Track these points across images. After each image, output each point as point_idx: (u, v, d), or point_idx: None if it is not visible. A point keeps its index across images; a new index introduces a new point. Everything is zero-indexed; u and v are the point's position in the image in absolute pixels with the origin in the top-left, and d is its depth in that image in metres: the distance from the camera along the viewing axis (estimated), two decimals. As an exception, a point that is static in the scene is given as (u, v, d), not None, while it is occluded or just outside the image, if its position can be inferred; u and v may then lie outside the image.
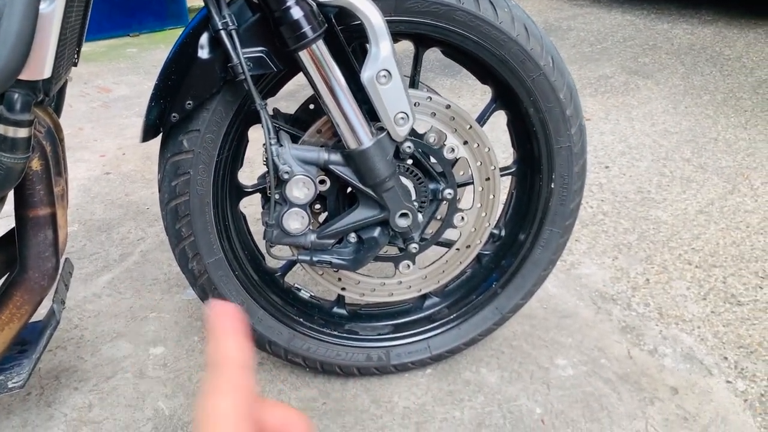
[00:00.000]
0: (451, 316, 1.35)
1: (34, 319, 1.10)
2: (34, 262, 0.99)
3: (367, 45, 1.01)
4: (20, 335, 1.07)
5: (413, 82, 1.18)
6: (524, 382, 1.35)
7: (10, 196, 1.01)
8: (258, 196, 1.26)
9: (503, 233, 1.34)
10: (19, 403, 1.29)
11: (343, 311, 1.36)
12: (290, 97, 2.65)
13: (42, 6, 0.72)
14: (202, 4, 1.00)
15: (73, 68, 1.14)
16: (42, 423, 1.25)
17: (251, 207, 1.43)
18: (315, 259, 1.15)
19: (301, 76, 1.15)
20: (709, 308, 1.56)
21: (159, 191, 1.13)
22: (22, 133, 0.79)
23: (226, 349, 0.33)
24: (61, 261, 1.07)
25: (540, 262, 1.29)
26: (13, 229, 1.04)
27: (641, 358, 1.41)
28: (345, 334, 1.31)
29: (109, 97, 3.06)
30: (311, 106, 1.24)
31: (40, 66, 0.77)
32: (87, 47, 3.91)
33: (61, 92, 1.20)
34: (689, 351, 1.43)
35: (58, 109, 1.19)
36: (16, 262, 1.01)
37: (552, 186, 1.22)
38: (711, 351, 1.43)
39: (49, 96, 0.86)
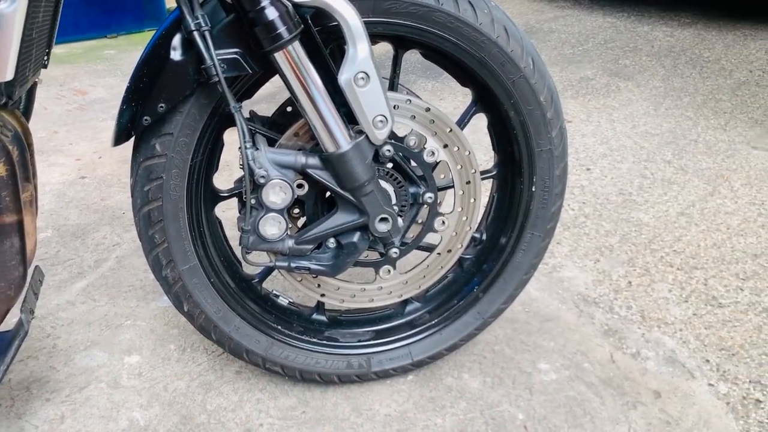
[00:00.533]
0: (433, 322, 1.33)
1: (2, 329, 1.07)
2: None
3: (345, 46, 0.99)
4: (-13, 346, 1.04)
5: (392, 85, 1.16)
6: (506, 387, 1.33)
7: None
8: (234, 203, 1.24)
9: (484, 237, 1.33)
10: (-13, 416, 1.25)
11: (322, 318, 1.33)
12: (270, 99, 2.62)
13: (2, 6, 0.69)
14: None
15: (50, 70, 1.11)
16: (12, 436, 1.21)
17: (229, 212, 1.40)
18: (293, 265, 1.12)
19: (279, 78, 1.13)
20: (691, 311, 1.56)
21: (131, 196, 1.10)
22: (-16, 137, 0.76)
23: None
24: (30, 269, 1.04)
25: (521, 266, 1.27)
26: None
27: (624, 362, 1.40)
28: (325, 341, 1.29)
29: (85, 100, 3.01)
30: (288, 109, 1.22)
31: (1, 68, 0.74)
32: (63, 48, 3.85)
33: (30, 95, 1.16)
34: (671, 354, 1.42)
35: (27, 113, 1.15)
36: (-19, 271, 0.98)
37: (533, 189, 1.20)
38: (693, 354, 1.42)
39: (12, 99, 0.83)
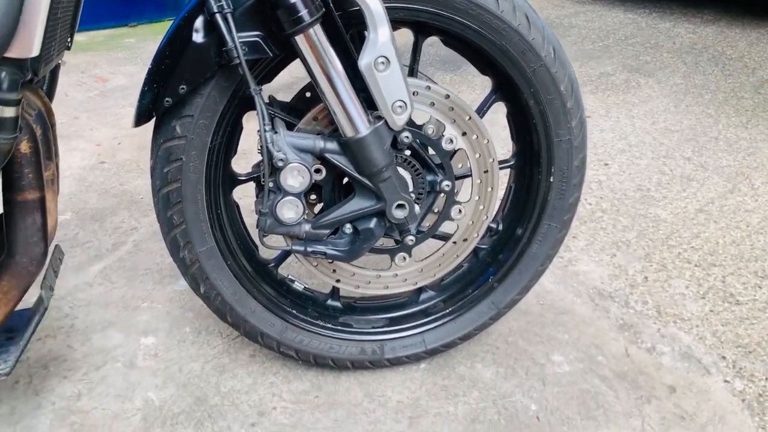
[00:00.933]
0: (447, 310, 1.33)
1: (22, 307, 1.09)
2: (21, 246, 0.97)
3: (366, 31, 0.99)
4: (7, 322, 1.05)
5: (412, 72, 1.16)
6: (519, 378, 1.33)
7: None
8: (251, 187, 1.24)
9: (501, 227, 1.32)
10: (6, 392, 1.27)
11: (337, 303, 1.34)
12: (288, 88, 2.62)
13: (29, -20, 0.70)
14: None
15: (71, 57, 1.12)
16: (30, 411, 1.23)
17: (246, 199, 1.41)
18: (309, 249, 1.13)
19: (299, 68, 1.14)
20: (708, 307, 1.54)
21: (151, 177, 1.11)
22: (9, 112, 0.77)
23: None
24: (51, 247, 1.05)
25: (537, 256, 1.27)
26: (0, 213, 1.02)
27: (639, 356, 1.39)
28: (339, 327, 1.29)
29: (105, 87, 3.03)
30: (308, 94, 1.22)
31: (28, 43, 0.75)
32: (85, 36, 3.88)
33: (54, 76, 1.17)
34: (687, 350, 1.41)
35: (50, 94, 1.17)
36: (3, 247, 0.99)
37: (551, 180, 1.20)
38: (709, 350, 1.41)
39: (38, 76, 0.84)
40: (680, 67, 3.21)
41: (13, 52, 0.72)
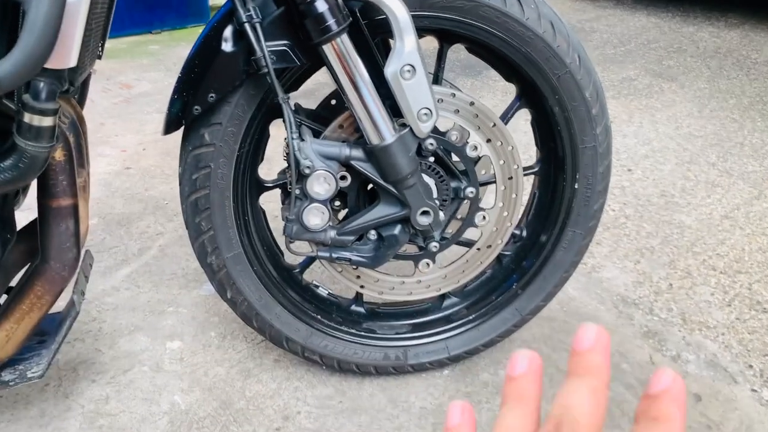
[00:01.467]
0: (470, 317, 1.33)
1: (52, 311, 1.11)
2: (55, 252, 1.00)
3: (391, 40, 1.00)
4: (40, 326, 1.08)
5: (437, 79, 1.16)
6: (543, 385, 1.32)
7: (33, 186, 1.01)
8: (277, 192, 1.26)
9: (525, 234, 1.32)
10: (37, 394, 1.30)
11: (361, 309, 1.35)
12: (310, 95, 2.64)
13: (69, -6, 0.72)
14: (223, 2, 1.00)
15: (97, 62, 1.15)
16: (59, 414, 1.25)
17: (269, 204, 1.42)
18: (334, 255, 1.14)
19: (320, 74, 1.15)
20: (734, 315, 1.53)
21: (180, 184, 1.13)
22: (47, 122, 0.79)
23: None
24: (82, 252, 1.07)
25: (562, 263, 1.27)
26: (35, 219, 1.04)
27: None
28: (363, 333, 1.30)
29: (130, 93, 3.08)
30: (332, 102, 1.24)
31: (67, 55, 0.77)
32: (109, 43, 3.94)
33: (85, 85, 1.20)
34: (713, 358, 1.40)
35: (81, 102, 1.19)
36: (37, 253, 1.02)
37: (576, 186, 1.20)
38: (735, 358, 1.40)
39: (74, 86, 0.87)
40: (704, 71, 3.18)
41: (52, 64, 0.74)
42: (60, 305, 1.14)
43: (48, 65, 0.74)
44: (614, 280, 1.66)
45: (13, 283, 1.10)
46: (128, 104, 2.93)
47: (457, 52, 1.17)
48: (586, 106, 1.12)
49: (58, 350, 1.12)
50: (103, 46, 1.17)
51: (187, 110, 1.04)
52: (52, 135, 0.81)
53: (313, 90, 2.67)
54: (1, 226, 0.91)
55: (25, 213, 1.18)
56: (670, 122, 2.61)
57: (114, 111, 2.84)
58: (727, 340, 1.45)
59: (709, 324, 1.50)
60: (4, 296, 1.10)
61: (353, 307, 1.34)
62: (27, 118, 0.79)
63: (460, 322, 1.33)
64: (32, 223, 1.07)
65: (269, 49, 0.97)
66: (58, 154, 0.95)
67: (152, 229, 1.89)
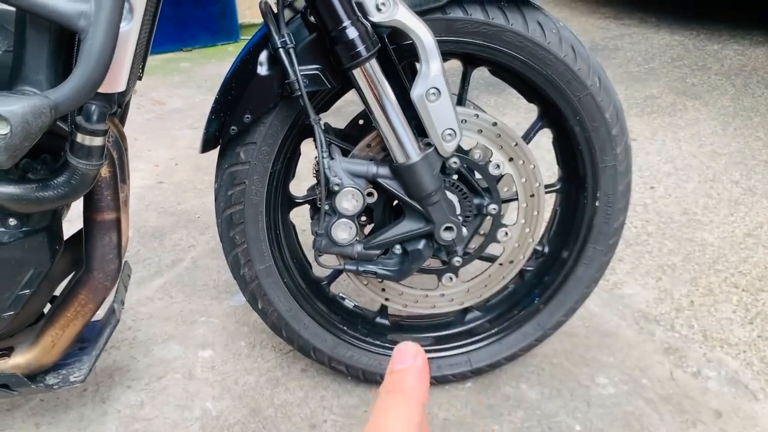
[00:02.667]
0: (493, 331, 1.36)
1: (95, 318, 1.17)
2: (99, 263, 1.06)
3: (417, 63, 1.05)
4: (81, 333, 1.14)
5: (460, 100, 1.21)
6: (564, 399, 1.35)
7: (78, 200, 1.07)
8: (305, 208, 1.31)
9: (546, 250, 1.36)
10: (75, 399, 1.36)
11: (385, 321, 1.39)
12: (336, 112, 2.71)
13: (123, 25, 0.78)
14: (254, 20, 1.05)
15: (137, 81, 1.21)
16: (97, 418, 1.31)
17: (297, 218, 1.48)
18: (361, 269, 1.18)
19: (347, 93, 1.20)
20: (756, 332, 1.54)
21: (215, 200, 1.19)
22: (98, 141, 0.85)
23: (404, 381, 0.35)
24: (123, 263, 1.13)
25: (583, 279, 1.29)
26: (79, 230, 1.10)
27: (684, 380, 1.40)
28: (387, 344, 1.34)
29: (162, 110, 3.18)
30: (360, 122, 1.29)
31: (117, 80, 0.83)
32: (143, 61, 4.06)
33: (126, 104, 1.27)
34: (734, 375, 1.41)
35: (122, 120, 1.26)
36: (81, 262, 1.08)
37: (596, 204, 1.23)
38: (757, 376, 1.41)
39: (121, 107, 0.93)
40: (729, 89, 3.18)
41: (104, 88, 0.80)
42: (98, 314, 1.20)
43: (100, 90, 0.80)
44: (635, 297, 1.68)
45: (57, 291, 1.17)
46: (161, 120, 3.03)
47: (481, 70, 1.21)
48: (606, 127, 1.16)
49: (99, 356, 1.17)
50: (143, 67, 1.24)
51: (224, 130, 1.10)
52: (102, 154, 0.88)
53: (339, 107, 2.74)
54: (50, 238, 0.97)
55: (68, 224, 1.25)
56: (694, 140, 2.62)
57: (147, 126, 2.94)
58: (749, 357, 1.46)
59: (731, 341, 1.51)
60: (49, 304, 1.16)
61: (378, 319, 1.38)
62: (79, 138, 0.85)
63: (482, 335, 1.36)
64: (76, 235, 1.14)
65: (302, 73, 1.02)
66: (104, 171, 1.01)
67: (185, 242, 1.95)
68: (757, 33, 4.14)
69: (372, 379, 1.34)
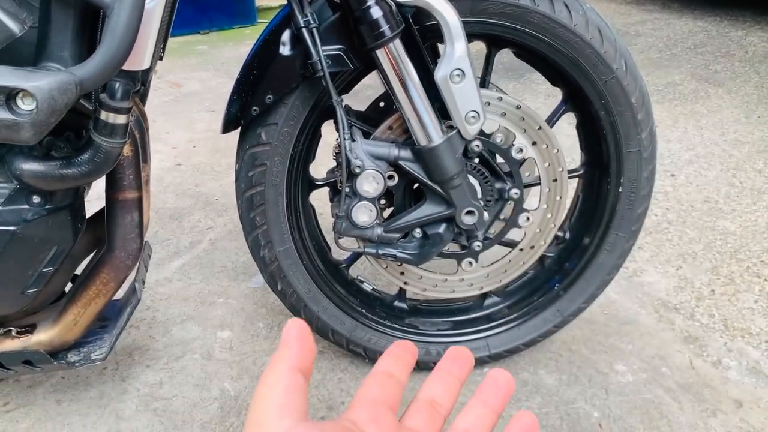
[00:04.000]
0: (511, 316, 1.36)
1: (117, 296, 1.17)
2: (120, 242, 1.06)
3: (440, 45, 1.03)
4: (102, 312, 1.15)
5: (484, 82, 1.19)
6: (582, 385, 1.35)
7: (100, 179, 1.08)
8: (323, 191, 1.31)
9: (568, 236, 1.34)
10: (96, 376, 1.37)
11: (403, 305, 1.38)
12: (353, 95, 2.69)
13: (147, 3, 0.78)
14: (271, 3, 1.04)
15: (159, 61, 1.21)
16: (117, 396, 1.32)
17: (316, 201, 1.48)
18: (381, 252, 1.18)
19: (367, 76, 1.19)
20: (778, 323, 1.52)
21: (236, 181, 1.18)
22: (121, 119, 0.85)
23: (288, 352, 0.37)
24: (144, 243, 1.14)
25: (604, 266, 1.28)
26: (101, 209, 1.11)
27: (704, 369, 1.39)
28: (405, 328, 1.34)
29: (180, 92, 3.18)
30: (381, 104, 1.28)
31: (141, 57, 0.83)
32: (160, 44, 4.06)
33: (148, 83, 1.26)
34: (755, 365, 1.39)
35: (143, 99, 1.26)
36: (103, 241, 1.08)
37: (620, 190, 1.21)
38: (779, 366, 1.39)
39: (144, 86, 0.92)
40: (752, 76, 3.12)
41: (129, 66, 0.80)
42: (118, 293, 1.20)
43: (125, 67, 0.79)
44: (655, 285, 1.66)
45: (78, 270, 1.18)
46: (178, 102, 3.03)
47: (501, 55, 1.19)
48: (631, 111, 1.14)
49: (120, 335, 1.18)
50: (164, 47, 1.24)
51: (246, 110, 1.09)
52: (125, 132, 0.87)
53: (357, 91, 2.72)
54: (73, 216, 0.98)
55: (89, 204, 1.26)
56: (716, 128, 2.59)
57: (165, 109, 2.94)
58: (771, 347, 1.44)
59: (752, 331, 1.49)
60: (70, 283, 1.17)
61: (396, 303, 1.38)
62: (103, 116, 0.85)
63: (501, 321, 1.36)
64: (98, 214, 1.14)
65: (325, 53, 1.01)
66: (126, 150, 1.01)
67: (203, 224, 1.96)
68: (783, 19, 4.06)
69: (389, 362, 1.34)
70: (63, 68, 0.79)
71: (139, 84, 0.88)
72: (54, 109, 0.73)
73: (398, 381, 0.41)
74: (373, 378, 0.40)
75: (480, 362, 1.37)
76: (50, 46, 0.80)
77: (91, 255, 1.15)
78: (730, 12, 4.32)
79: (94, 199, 1.15)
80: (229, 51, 3.92)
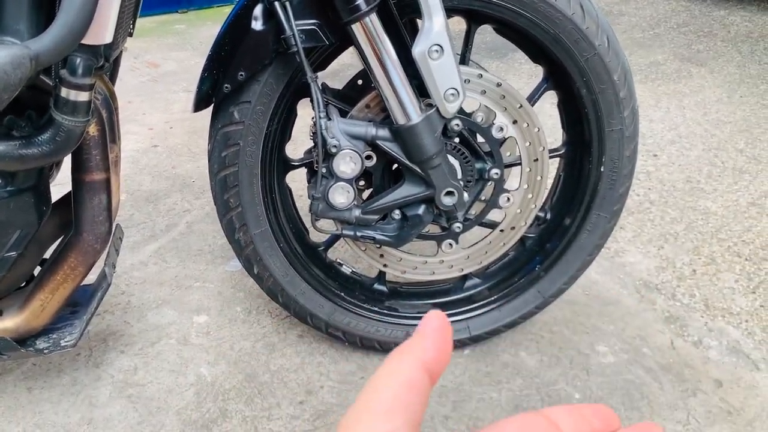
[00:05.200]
0: (492, 298, 1.34)
1: (83, 283, 1.14)
2: (88, 225, 1.02)
3: (419, 20, 1.00)
4: (72, 297, 1.11)
5: (464, 59, 1.17)
6: (563, 367, 1.34)
7: (66, 160, 1.04)
8: (301, 172, 1.27)
9: (549, 216, 1.32)
10: (69, 363, 1.34)
11: (383, 288, 1.36)
12: (333, 76, 2.65)
13: (106, -29, 0.74)
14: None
15: (129, 39, 1.16)
16: (90, 383, 1.29)
17: (294, 183, 1.44)
18: (359, 234, 1.15)
19: (344, 55, 1.16)
20: (758, 302, 1.52)
21: (208, 161, 1.15)
22: (83, 96, 0.81)
23: (408, 342, 0.31)
24: (114, 226, 1.10)
25: (586, 246, 1.27)
26: (68, 193, 1.07)
27: (685, 349, 1.38)
28: (385, 311, 1.32)
29: (157, 72, 3.11)
30: (359, 82, 1.24)
31: (103, 31, 0.79)
32: (137, 22, 3.97)
33: (116, 62, 1.22)
34: (735, 344, 1.39)
35: (112, 78, 1.21)
36: (70, 225, 1.05)
37: (602, 169, 1.19)
38: (758, 345, 1.39)
39: (108, 62, 0.88)
40: (735, 56, 3.12)
41: (88, 40, 0.76)
42: (90, 278, 1.17)
43: (85, 41, 0.75)
44: (637, 265, 1.65)
45: (47, 255, 1.14)
46: (155, 83, 2.97)
47: (483, 34, 1.16)
48: (613, 89, 1.12)
49: (90, 320, 1.15)
50: (134, 23, 1.19)
51: (217, 88, 1.05)
52: (88, 110, 0.84)
53: (337, 71, 2.68)
54: (37, 198, 0.94)
55: (57, 188, 1.22)
56: (698, 108, 2.58)
57: (141, 89, 2.87)
58: (751, 326, 1.44)
59: (733, 310, 1.49)
60: (38, 268, 1.13)
61: (376, 286, 1.36)
62: (64, 92, 0.81)
63: (481, 302, 1.34)
64: (65, 197, 1.10)
65: (299, 28, 0.98)
66: (92, 129, 0.97)
67: (179, 206, 1.92)
68: (765, -1, 4.06)
69: (369, 345, 1.32)
70: (18, 42, 0.75)
71: (102, 60, 0.84)
72: (7, 84, 0.69)
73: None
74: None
75: (460, 344, 1.35)
76: (4, 18, 0.76)
77: (60, 240, 1.11)
78: (712, -9, 4.31)
79: (66, 182, 1.11)
80: (207, 30, 3.84)
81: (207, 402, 1.25)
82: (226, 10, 4.33)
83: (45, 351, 1.10)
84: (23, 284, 1.13)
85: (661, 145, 2.28)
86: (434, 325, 0.30)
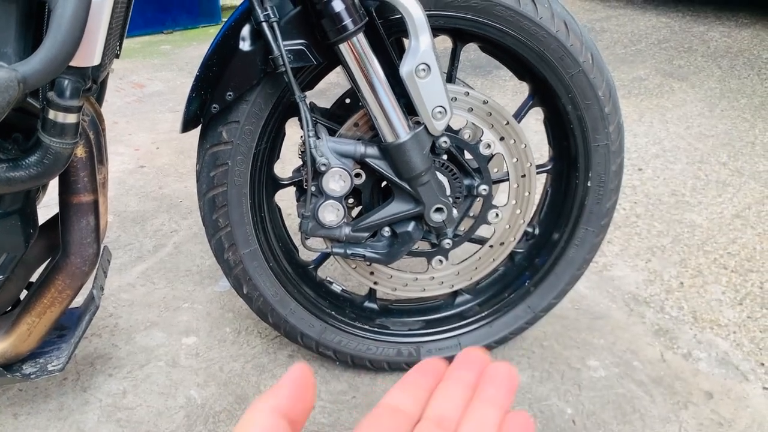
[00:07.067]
0: (483, 314, 1.34)
1: (70, 306, 1.13)
2: (76, 247, 1.01)
3: (405, 39, 1.01)
4: (59, 320, 1.10)
5: (450, 78, 1.18)
6: (555, 382, 1.34)
7: (54, 182, 1.03)
8: (290, 191, 1.27)
9: (537, 231, 1.33)
10: (56, 387, 1.32)
11: (374, 305, 1.36)
12: (321, 95, 2.66)
13: (95, -6, 0.74)
14: (234, 2, 1.01)
15: (115, 60, 1.16)
16: (78, 407, 1.27)
17: (283, 202, 1.44)
18: (349, 252, 1.15)
19: (331, 73, 1.16)
20: (746, 313, 1.53)
21: (197, 181, 1.14)
22: (71, 119, 0.81)
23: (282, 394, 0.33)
24: (102, 248, 1.09)
25: (574, 261, 1.27)
26: (56, 215, 1.06)
27: (675, 362, 1.39)
28: (376, 329, 1.31)
29: (143, 93, 3.11)
30: (347, 101, 1.25)
31: (90, 53, 0.79)
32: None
33: (103, 83, 1.22)
34: (725, 356, 1.40)
35: (99, 100, 1.21)
36: (58, 248, 1.04)
37: (588, 184, 1.21)
38: (747, 356, 1.40)
39: (96, 84, 0.88)
40: (715, 71, 3.17)
41: (77, 62, 0.76)
42: (77, 300, 1.15)
43: (73, 63, 0.75)
44: (625, 279, 1.66)
45: (34, 278, 1.13)
46: (141, 103, 2.96)
47: (468, 52, 1.18)
48: (599, 105, 1.13)
49: (78, 344, 1.13)
50: (121, 45, 1.19)
51: (205, 108, 1.05)
52: (76, 132, 0.83)
53: (324, 90, 2.69)
54: (24, 221, 0.93)
55: (44, 210, 1.21)
56: (681, 122, 2.61)
57: (127, 110, 2.87)
58: (739, 338, 1.45)
59: (721, 322, 1.50)
60: (25, 291, 1.12)
61: (367, 304, 1.36)
62: (52, 115, 0.80)
63: (472, 318, 1.34)
64: (52, 219, 1.10)
65: (286, 48, 0.98)
66: (80, 151, 0.96)
67: (167, 227, 1.91)
68: (743, 15, 4.14)
69: (360, 364, 1.32)
70: (5, 65, 0.75)
71: (90, 81, 0.84)
72: (-5, 108, 0.68)
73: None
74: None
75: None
76: (-8, 41, 0.75)
77: (47, 262, 1.10)
78: (692, 8, 4.39)
79: (53, 204, 1.10)
80: (193, 50, 3.85)
81: (197, 425, 1.23)
82: (212, 31, 4.36)
83: (32, 376, 1.08)
84: (9, 308, 1.11)
85: (645, 159, 2.31)
86: (293, 376, 0.33)
